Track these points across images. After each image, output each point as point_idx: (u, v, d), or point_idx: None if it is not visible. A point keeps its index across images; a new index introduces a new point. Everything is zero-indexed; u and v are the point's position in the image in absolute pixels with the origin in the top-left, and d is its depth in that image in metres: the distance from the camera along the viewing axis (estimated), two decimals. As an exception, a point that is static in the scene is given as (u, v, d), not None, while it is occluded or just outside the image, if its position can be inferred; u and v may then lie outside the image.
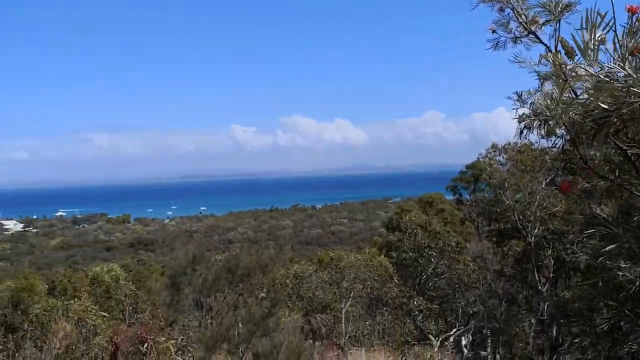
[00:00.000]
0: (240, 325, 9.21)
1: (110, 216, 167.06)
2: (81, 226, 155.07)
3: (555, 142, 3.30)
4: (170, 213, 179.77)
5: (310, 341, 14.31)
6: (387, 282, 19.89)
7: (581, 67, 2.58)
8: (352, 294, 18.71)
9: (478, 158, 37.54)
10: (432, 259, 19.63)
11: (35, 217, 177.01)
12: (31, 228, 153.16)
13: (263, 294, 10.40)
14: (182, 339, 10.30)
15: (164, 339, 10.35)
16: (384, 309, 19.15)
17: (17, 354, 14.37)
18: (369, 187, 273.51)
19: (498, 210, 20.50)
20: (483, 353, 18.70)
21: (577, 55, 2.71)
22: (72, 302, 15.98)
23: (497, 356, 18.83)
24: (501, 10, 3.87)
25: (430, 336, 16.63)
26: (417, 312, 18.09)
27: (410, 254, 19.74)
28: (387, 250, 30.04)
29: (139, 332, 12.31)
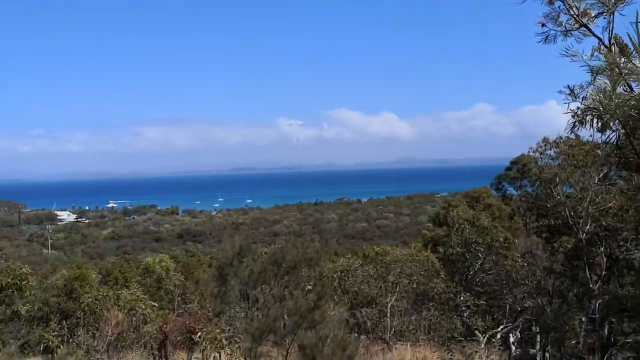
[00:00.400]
0: (285, 317, 9.30)
1: (159, 208, 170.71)
2: (131, 217, 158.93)
3: (610, 137, 3.22)
4: (217, 205, 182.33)
5: (356, 335, 14.33)
6: (434, 277, 19.73)
7: (636, 63, 2.51)
8: (397, 289, 18.64)
9: (528, 151, 36.72)
10: (480, 255, 19.36)
11: (87, 208, 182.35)
12: (83, 219, 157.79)
13: (309, 287, 10.47)
14: (229, 329, 10.47)
15: (212, 329, 10.55)
16: (430, 304, 19.01)
17: (71, 340, 14.88)
18: (415, 181, 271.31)
19: (548, 206, 20.06)
20: (532, 351, 18.37)
21: (631, 50, 2.64)
22: (123, 291, 16.44)
23: (546, 354, 18.46)
24: (550, 2, 3.79)
25: (477, 332, 16.43)
26: (464, 308, 17.90)
27: (458, 249, 19.52)
28: (433, 246, 29.78)
29: (187, 322, 12.58)
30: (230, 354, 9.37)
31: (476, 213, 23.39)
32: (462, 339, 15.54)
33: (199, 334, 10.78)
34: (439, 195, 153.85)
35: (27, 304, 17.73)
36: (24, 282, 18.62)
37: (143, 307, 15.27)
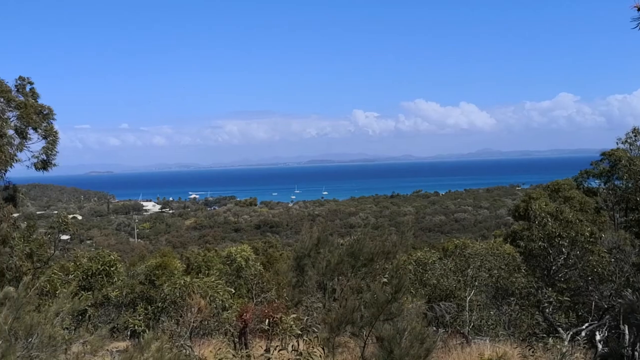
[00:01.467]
0: (362, 308, 9.32)
1: (238, 199, 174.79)
2: (212, 208, 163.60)
3: None
4: (293, 197, 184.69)
5: (434, 328, 14.18)
6: (514, 272, 19.22)
7: None
8: (476, 283, 18.29)
9: (617, 143, 35.05)
10: (563, 249, 18.69)
11: (171, 198, 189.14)
12: (167, 209, 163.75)
13: (385, 279, 10.44)
14: (307, 319, 10.60)
15: (290, 318, 10.72)
16: (510, 299, 18.55)
17: (155, 325, 15.51)
18: (495, 174, 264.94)
19: (639, 199, 19.08)
20: (620, 350, 17.58)
21: None
22: (204, 279, 16.99)
23: (636, 353, 17.61)
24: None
25: (560, 329, 15.90)
26: (546, 304, 17.33)
27: (540, 243, 18.92)
28: (513, 239, 29.00)
29: (266, 310, 12.84)
30: (309, 343, 9.49)
31: (559, 206, 22.55)
32: (544, 335, 15.06)
33: (277, 322, 10.98)
34: (519, 188, 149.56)
35: (116, 290, 18.63)
36: (112, 269, 19.58)
37: (221, 294, 15.72)
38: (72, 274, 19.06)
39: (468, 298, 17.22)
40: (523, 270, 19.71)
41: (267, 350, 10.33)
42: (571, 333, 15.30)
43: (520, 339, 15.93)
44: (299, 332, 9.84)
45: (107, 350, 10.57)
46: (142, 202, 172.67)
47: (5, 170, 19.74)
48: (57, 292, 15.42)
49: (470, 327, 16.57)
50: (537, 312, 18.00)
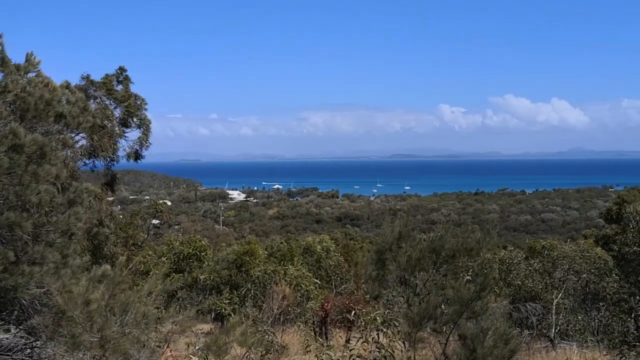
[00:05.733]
0: (442, 306, 9.22)
1: (320, 191, 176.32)
2: (295, 199, 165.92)
3: None
4: (375, 191, 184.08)
5: (518, 329, 13.83)
6: (605, 276, 18.39)
7: None
8: (564, 286, 17.64)
9: None
10: (661, 255, 17.69)
11: (255, 188, 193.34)
12: (252, 198, 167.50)
13: (468, 277, 10.28)
14: (388, 312, 10.61)
15: (370, 310, 10.77)
16: (601, 304, 17.77)
17: (239, 310, 15.96)
18: (586, 174, 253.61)
19: None
20: None
21: None
22: (289, 267, 17.32)
23: None
24: None
25: (654, 339, 15.09)
26: (640, 312, 16.48)
27: (635, 248, 17.98)
28: (604, 243, 27.69)
29: (347, 302, 12.96)
30: (390, 337, 9.51)
31: (658, 210, 21.30)
32: (637, 344, 14.34)
33: (358, 314, 11.06)
34: (612, 189, 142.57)
35: (205, 273, 19.33)
36: (202, 254, 20.32)
37: (307, 283, 15.98)
38: (165, 257, 19.93)
39: (555, 301, 16.64)
40: (615, 275, 18.82)
41: (348, 341, 10.44)
42: (666, 344, 14.47)
43: (610, 346, 15.24)
44: (382, 325, 9.86)
45: (193, 331, 11.01)
46: (227, 191, 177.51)
47: (112, 159, 20.87)
48: (150, 273, 16.18)
49: (557, 330, 16.02)
50: (629, 320, 17.16)
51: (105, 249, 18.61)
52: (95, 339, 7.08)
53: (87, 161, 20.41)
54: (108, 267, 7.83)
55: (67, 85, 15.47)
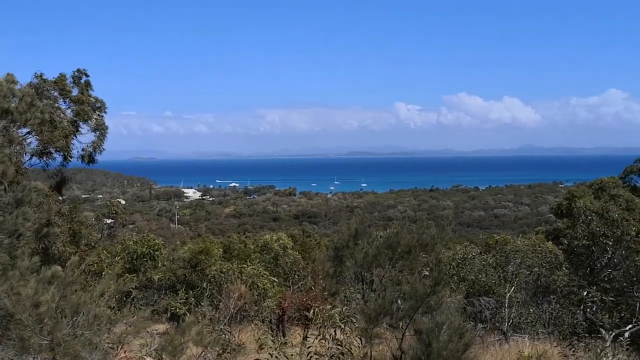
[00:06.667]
0: (398, 301, 9.30)
1: (278, 188, 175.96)
2: (252, 197, 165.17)
3: None
4: (332, 188, 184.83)
5: (472, 323, 14.08)
6: (556, 270, 18.90)
7: None
8: (517, 280, 18.05)
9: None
10: (608, 249, 18.26)
11: (211, 186, 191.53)
12: (208, 196, 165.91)
13: (426, 272, 10.40)
14: (345, 309, 10.65)
15: (327, 307, 10.79)
16: (551, 297, 18.25)
17: (196, 309, 15.78)
18: (537, 170, 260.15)
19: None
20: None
21: None
22: (245, 265, 17.20)
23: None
24: None
25: (602, 330, 15.56)
26: (589, 303, 16.98)
27: (583, 241, 18.54)
28: (555, 237, 28.48)
29: (304, 299, 12.94)
30: (347, 333, 9.54)
31: (605, 204, 22.02)
32: (586, 335, 14.78)
33: (315, 311, 11.06)
34: (562, 185, 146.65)
35: (159, 273, 19.04)
36: (157, 253, 20.02)
37: (264, 281, 15.92)
38: (118, 256, 19.57)
39: (507, 294, 17.01)
40: (565, 269, 19.35)
41: (305, 338, 10.43)
42: (614, 334, 14.96)
43: (561, 337, 15.67)
44: (339, 322, 9.89)
45: (148, 331, 10.82)
46: (183, 189, 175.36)
47: (64, 157, 20.61)
48: (103, 273, 15.85)
49: (509, 324, 16.38)
50: (578, 311, 17.68)
51: (55, 249, 18.17)
52: (46, 342, 6.88)
53: (37, 160, 20.09)
54: (59, 268, 7.61)
55: (12, 80, 15.07)
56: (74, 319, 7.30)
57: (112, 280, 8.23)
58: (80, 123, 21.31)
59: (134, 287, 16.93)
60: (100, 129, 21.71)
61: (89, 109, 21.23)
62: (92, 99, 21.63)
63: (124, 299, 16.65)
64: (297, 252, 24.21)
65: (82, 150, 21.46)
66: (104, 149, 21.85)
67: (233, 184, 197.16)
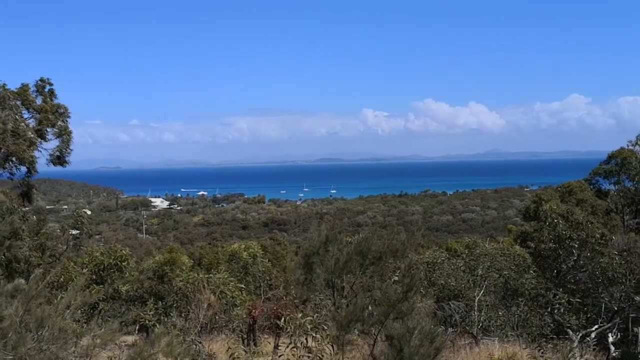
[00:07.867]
0: (369, 307, 9.30)
1: (247, 196, 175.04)
2: (220, 205, 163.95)
3: None
4: (301, 195, 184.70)
5: (442, 327, 14.16)
6: (524, 273, 19.16)
7: None
8: (486, 283, 18.24)
9: (627, 145, 34.92)
10: (574, 251, 18.60)
11: (179, 195, 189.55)
12: (176, 205, 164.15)
13: (396, 278, 10.42)
14: (316, 316, 10.59)
15: (298, 315, 10.72)
16: (520, 299, 18.48)
17: (165, 320, 15.54)
18: (503, 174, 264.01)
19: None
20: (635, 353, 17.49)
21: None
22: (212, 275, 17.00)
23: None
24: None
25: (569, 331, 15.83)
26: (557, 305, 17.26)
27: (550, 244, 18.84)
28: (522, 241, 28.87)
29: (275, 308, 12.84)
30: (318, 341, 9.49)
31: (570, 207, 22.44)
32: (554, 336, 15.01)
33: (287, 319, 10.98)
34: (528, 189, 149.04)
35: (127, 284, 18.70)
36: (124, 264, 19.67)
37: (232, 289, 15.75)
38: (84, 268, 19.19)
39: (477, 298, 17.17)
40: (532, 272, 19.62)
41: (277, 347, 10.34)
42: (581, 334, 15.23)
43: (529, 339, 15.87)
44: (310, 330, 9.84)
45: (116, 344, 10.61)
46: (150, 198, 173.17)
47: (29, 168, 20.50)
48: (69, 286, 15.50)
49: (479, 327, 16.52)
50: (546, 313, 17.94)
51: (19, 262, 17.77)
52: (10, 357, 6.69)
53: (1, 170, 19.87)
54: (22, 280, 7.42)
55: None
56: (38, 333, 7.13)
57: (78, 293, 8.04)
58: (47, 129, 21.29)
59: (101, 298, 16.61)
60: (65, 134, 21.70)
61: (52, 116, 21.12)
62: (54, 106, 21.53)
63: (91, 311, 16.32)
64: (268, 261, 24.07)
65: (49, 155, 21.42)
66: (71, 150, 21.90)
67: (201, 193, 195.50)
